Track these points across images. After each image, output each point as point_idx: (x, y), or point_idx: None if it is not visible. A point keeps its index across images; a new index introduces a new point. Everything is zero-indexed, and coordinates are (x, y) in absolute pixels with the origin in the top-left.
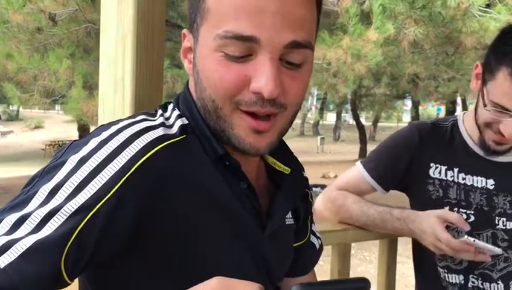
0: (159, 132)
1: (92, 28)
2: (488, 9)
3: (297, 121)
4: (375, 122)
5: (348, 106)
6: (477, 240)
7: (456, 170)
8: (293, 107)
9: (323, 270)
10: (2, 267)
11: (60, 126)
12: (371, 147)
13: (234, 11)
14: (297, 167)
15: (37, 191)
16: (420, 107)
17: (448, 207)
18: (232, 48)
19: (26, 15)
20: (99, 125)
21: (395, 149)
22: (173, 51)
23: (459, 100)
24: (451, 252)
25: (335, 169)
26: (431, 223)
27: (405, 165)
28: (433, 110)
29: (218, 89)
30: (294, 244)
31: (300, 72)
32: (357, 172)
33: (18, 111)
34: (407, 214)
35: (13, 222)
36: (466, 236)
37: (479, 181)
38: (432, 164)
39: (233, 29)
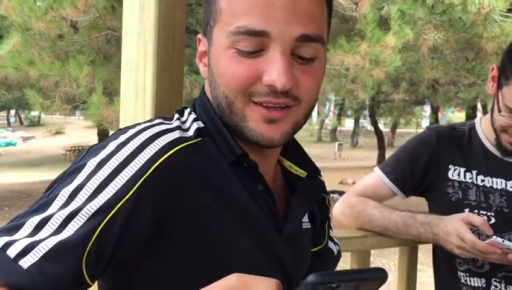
0: (175, 134)
1: (112, 35)
2: (509, 14)
3: (315, 127)
4: (394, 128)
5: (366, 112)
6: (506, 241)
7: (474, 172)
8: (307, 102)
9: None
10: (25, 268)
11: (80, 132)
12: (389, 153)
13: (245, 8)
14: (313, 171)
15: (58, 194)
16: (439, 114)
17: (468, 209)
18: (244, 44)
19: (48, 22)
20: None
21: (413, 152)
22: (191, 57)
23: (479, 106)
24: (477, 254)
25: (353, 175)
26: (455, 225)
27: (424, 167)
28: (452, 116)
29: (231, 84)
30: (312, 250)
31: (312, 66)
32: (376, 177)
33: (39, 117)
34: (430, 218)
35: (35, 224)
36: (495, 236)
37: (499, 183)
38: (450, 166)
39: (245, 24)
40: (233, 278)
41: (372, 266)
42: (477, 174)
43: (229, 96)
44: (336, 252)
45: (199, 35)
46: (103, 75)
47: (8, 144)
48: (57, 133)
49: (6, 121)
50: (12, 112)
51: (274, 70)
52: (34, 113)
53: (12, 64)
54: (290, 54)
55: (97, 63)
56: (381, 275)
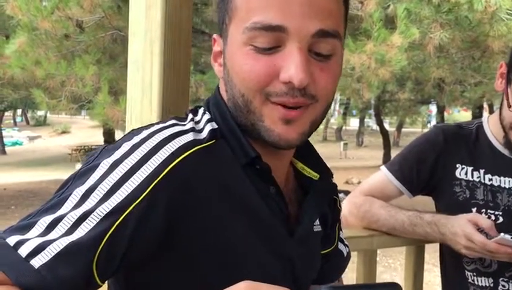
0: (189, 137)
1: (117, 34)
2: None
3: (320, 126)
4: (399, 127)
5: (372, 111)
6: None
7: (482, 171)
8: (324, 100)
9: (348, 277)
10: (36, 268)
11: (86, 131)
12: (394, 153)
13: (262, 3)
14: (325, 173)
15: (70, 194)
16: (445, 113)
17: (475, 209)
18: (261, 40)
19: (54, 22)
20: (126, 129)
21: (420, 150)
22: (197, 57)
23: (485, 105)
24: (486, 254)
25: (358, 175)
26: (462, 226)
27: (431, 166)
28: (459, 115)
29: (248, 82)
30: (322, 252)
31: (329, 64)
32: (382, 176)
33: (45, 116)
34: (438, 218)
35: (47, 223)
36: (502, 234)
37: (506, 182)
38: (457, 165)
39: (262, 19)
40: (242, 286)
41: (378, 266)
42: (484, 173)
43: (245, 94)
44: (345, 254)
45: (214, 35)
46: (109, 75)
47: (15, 144)
48: (63, 132)
49: (12, 121)
50: (19, 111)
51: (291, 66)
52: (40, 113)
53: (18, 64)
54: (307, 50)
55: (103, 62)
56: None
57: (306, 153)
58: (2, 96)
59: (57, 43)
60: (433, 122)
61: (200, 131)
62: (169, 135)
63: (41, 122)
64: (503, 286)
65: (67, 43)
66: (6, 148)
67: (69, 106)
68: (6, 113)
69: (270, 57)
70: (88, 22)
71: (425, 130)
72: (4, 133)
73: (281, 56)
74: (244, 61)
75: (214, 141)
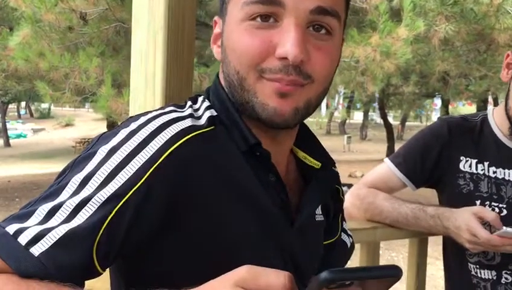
0: (187, 122)
1: (121, 27)
2: None
3: (324, 120)
4: (403, 121)
5: (376, 105)
6: None
7: (486, 163)
8: (320, 82)
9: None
10: (36, 256)
11: (89, 124)
12: (398, 146)
13: None
14: (327, 162)
15: (68, 182)
16: (450, 107)
17: (479, 201)
18: (258, 13)
19: (58, 14)
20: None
21: (424, 142)
22: (201, 49)
23: (490, 99)
24: (491, 248)
25: (362, 168)
26: (466, 220)
27: (434, 158)
28: (463, 109)
29: (242, 58)
30: (325, 242)
31: (327, 43)
32: (386, 168)
33: (49, 109)
34: (441, 211)
35: (46, 211)
36: (505, 227)
37: (511, 174)
38: (462, 157)
39: None
40: (243, 270)
41: (380, 259)
42: (489, 166)
43: (240, 71)
44: (349, 245)
45: (215, 17)
46: (112, 67)
47: (19, 136)
48: (67, 125)
49: (16, 113)
50: (23, 104)
51: (287, 41)
52: (44, 106)
53: (22, 56)
54: (304, 28)
55: (106, 55)
56: (395, 272)
57: (307, 141)
58: (6, 88)
59: (60, 35)
60: (437, 116)
61: (199, 118)
62: (167, 121)
63: (45, 115)
64: (506, 278)
65: (71, 35)
66: (11, 141)
67: (72, 98)
68: (10, 106)
69: (266, 32)
70: (92, 14)
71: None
72: (8, 125)
73: (278, 32)
74: (241, 38)
75: (212, 127)
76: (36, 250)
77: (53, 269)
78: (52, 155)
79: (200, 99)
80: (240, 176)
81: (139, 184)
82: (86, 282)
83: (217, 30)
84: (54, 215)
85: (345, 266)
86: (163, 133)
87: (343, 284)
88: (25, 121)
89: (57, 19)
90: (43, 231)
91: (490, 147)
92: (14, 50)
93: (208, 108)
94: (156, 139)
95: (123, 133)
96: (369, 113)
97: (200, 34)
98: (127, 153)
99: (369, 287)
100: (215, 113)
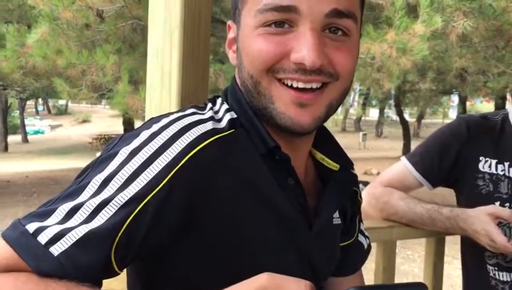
0: (209, 125)
1: (137, 24)
2: None
3: (339, 117)
4: (420, 118)
5: (392, 102)
6: None
7: (507, 163)
8: (344, 79)
9: (367, 268)
10: (55, 256)
11: (106, 120)
12: (414, 144)
13: None
14: (346, 164)
15: (89, 182)
16: (468, 103)
17: (498, 202)
18: (272, 19)
19: (75, 12)
20: (146, 117)
21: (442, 141)
22: (216, 46)
23: (509, 96)
24: (509, 252)
25: (377, 166)
26: (483, 224)
27: (453, 158)
28: (481, 106)
29: (255, 61)
30: (342, 244)
31: (345, 44)
32: (402, 167)
33: (67, 106)
34: (456, 213)
35: (66, 211)
36: None
37: None
38: (481, 158)
39: (272, 0)
40: (264, 278)
41: (396, 257)
42: (509, 166)
43: (254, 75)
44: (366, 246)
45: (229, 22)
46: (129, 64)
47: (37, 132)
48: (84, 121)
49: (34, 110)
50: (41, 100)
51: (304, 47)
52: (62, 102)
53: (40, 54)
54: (320, 31)
55: (123, 52)
56: None
57: (325, 143)
58: (24, 85)
59: (77, 33)
60: (454, 113)
61: (219, 120)
62: (188, 124)
63: (63, 112)
64: None
65: (88, 32)
66: (29, 137)
67: (89, 94)
68: (28, 102)
69: (281, 38)
70: (108, 11)
71: (447, 121)
72: (26, 121)
73: (294, 37)
74: (255, 42)
75: (233, 130)
76: (55, 249)
77: (72, 268)
78: (69, 151)
79: (219, 101)
80: (259, 179)
81: (159, 187)
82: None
83: (231, 35)
84: (74, 215)
85: (361, 267)
86: (184, 136)
87: None
88: (43, 118)
89: (74, 17)
90: (63, 230)
91: (511, 147)
92: (32, 47)
93: (227, 110)
94: (177, 142)
95: (144, 135)
96: (385, 110)
97: (215, 31)
98: (148, 155)
99: None
100: (235, 116)
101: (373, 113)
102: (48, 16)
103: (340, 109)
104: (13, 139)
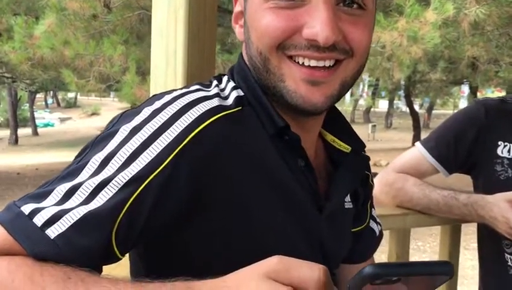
0: (214, 102)
1: (144, 14)
2: None
3: (348, 108)
4: (430, 109)
5: (401, 93)
6: None
7: None
8: (360, 55)
9: (379, 257)
10: (52, 238)
11: (115, 113)
12: (424, 135)
13: None
14: (358, 146)
15: (88, 161)
16: (478, 94)
17: None
18: None
19: (82, 2)
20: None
21: (458, 125)
22: (224, 36)
23: None
24: None
25: (387, 157)
26: (502, 211)
27: (470, 143)
28: (492, 96)
29: (264, 36)
30: (353, 230)
31: (361, 18)
32: (417, 152)
33: (76, 98)
34: (474, 199)
35: (64, 191)
36: None
37: None
38: (499, 142)
39: None
40: (275, 260)
41: (410, 245)
42: None
43: (263, 52)
44: (377, 233)
45: None
46: (136, 55)
47: (46, 125)
48: (93, 114)
49: (44, 103)
50: (50, 93)
51: (317, 22)
52: (71, 95)
53: (47, 45)
54: (334, 5)
55: (130, 42)
56: (447, 269)
57: (336, 123)
58: (33, 77)
59: (85, 23)
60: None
61: (226, 98)
62: (193, 100)
63: (72, 104)
64: None
65: (95, 23)
66: (38, 130)
67: (97, 86)
68: (38, 95)
69: (292, 12)
70: (115, 1)
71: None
72: (36, 114)
73: (306, 11)
74: (264, 16)
75: (240, 107)
76: (52, 232)
77: (69, 252)
78: (78, 144)
79: (225, 79)
80: (267, 159)
81: (162, 166)
82: (104, 267)
83: (237, 8)
84: (72, 196)
85: (373, 254)
86: (189, 112)
87: (389, 281)
88: (52, 110)
89: (81, 7)
90: (60, 212)
91: None
92: (40, 38)
93: (234, 88)
94: (181, 118)
95: (146, 112)
96: (395, 101)
97: (223, 21)
98: (150, 133)
99: (414, 285)
100: (242, 94)
101: (382, 104)
102: (55, 7)
103: (349, 99)
104: (23, 132)
